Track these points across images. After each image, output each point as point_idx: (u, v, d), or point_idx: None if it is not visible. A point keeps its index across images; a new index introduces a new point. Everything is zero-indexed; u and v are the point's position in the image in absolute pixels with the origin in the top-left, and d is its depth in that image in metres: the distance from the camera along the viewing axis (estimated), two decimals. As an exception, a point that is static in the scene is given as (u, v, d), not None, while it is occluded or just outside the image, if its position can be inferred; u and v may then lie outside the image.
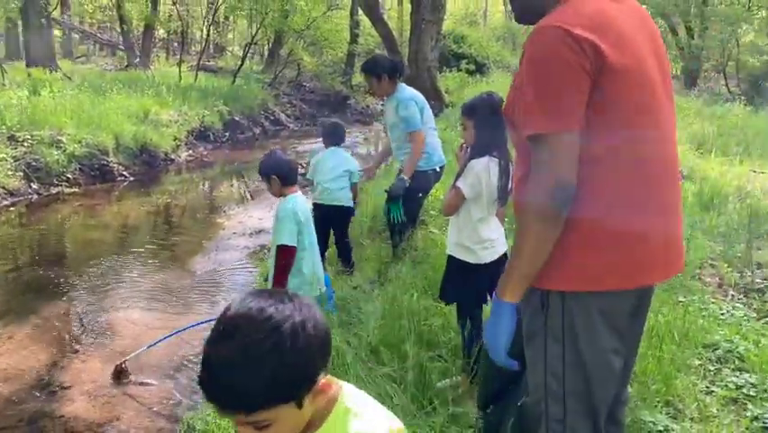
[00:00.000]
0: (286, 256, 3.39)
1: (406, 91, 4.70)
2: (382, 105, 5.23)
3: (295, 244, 3.39)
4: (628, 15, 1.63)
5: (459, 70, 22.21)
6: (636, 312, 1.75)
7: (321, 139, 5.26)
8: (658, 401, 2.71)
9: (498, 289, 1.68)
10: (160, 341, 4.05)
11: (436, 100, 14.23)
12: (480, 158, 2.77)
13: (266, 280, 3.97)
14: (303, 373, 1.03)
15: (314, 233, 3.65)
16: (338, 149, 5.01)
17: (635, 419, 2.51)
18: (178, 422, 3.38)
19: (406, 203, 4.65)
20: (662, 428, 2.49)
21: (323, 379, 1.08)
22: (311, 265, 3.54)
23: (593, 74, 1.51)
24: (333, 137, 5.03)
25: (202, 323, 4.18)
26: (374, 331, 3.22)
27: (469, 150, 2.81)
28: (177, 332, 4.15)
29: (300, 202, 3.49)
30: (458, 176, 2.83)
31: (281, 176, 3.45)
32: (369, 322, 3.27)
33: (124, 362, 3.82)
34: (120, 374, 3.79)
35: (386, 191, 4.72)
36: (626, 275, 1.64)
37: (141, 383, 3.76)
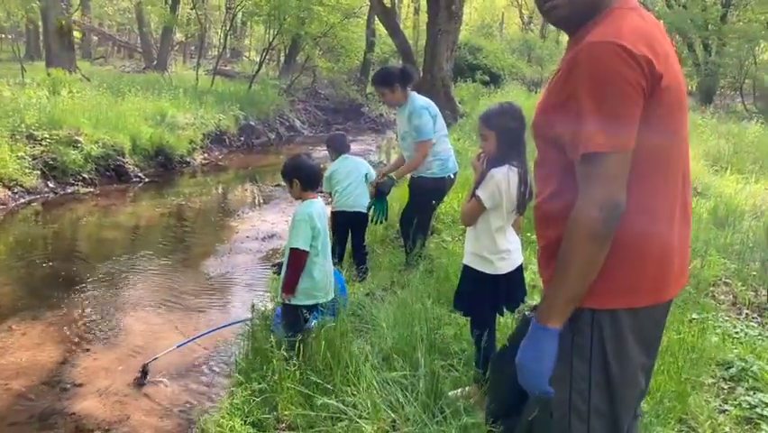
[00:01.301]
0: (298, 260, 3.41)
1: (419, 100, 4.71)
2: (395, 113, 5.25)
3: (308, 249, 3.41)
4: (661, 32, 1.62)
5: (473, 81, 22.27)
6: (661, 326, 1.75)
7: (327, 153, 5.34)
8: (671, 418, 2.69)
9: (540, 314, 1.63)
10: (190, 341, 4.14)
11: (450, 110, 14.25)
12: (499, 167, 2.77)
13: (276, 273, 4.01)
14: None
15: (328, 239, 3.67)
16: (347, 155, 5.07)
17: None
18: (189, 424, 3.39)
19: (421, 211, 4.69)
20: (674, 445, 2.47)
21: None
22: (323, 271, 3.56)
23: (647, 92, 1.49)
24: (339, 148, 5.10)
25: (235, 323, 4.24)
26: (386, 338, 3.23)
27: (487, 159, 2.81)
28: (209, 332, 4.27)
29: (318, 207, 3.51)
30: (476, 185, 2.83)
31: (303, 180, 3.49)
32: (381, 329, 3.28)
33: (152, 361, 3.85)
34: (145, 375, 3.81)
35: (374, 186, 4.80)
36: (658, 290, 1.64)
37: (153, 384, 3.77)
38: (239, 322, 4.25)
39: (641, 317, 1.63)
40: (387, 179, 4.75)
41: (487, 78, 22.98)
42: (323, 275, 3.54)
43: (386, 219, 4.91)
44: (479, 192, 2.81)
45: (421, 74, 14.60)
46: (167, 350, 3.99)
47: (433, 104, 4.80)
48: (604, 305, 1.61)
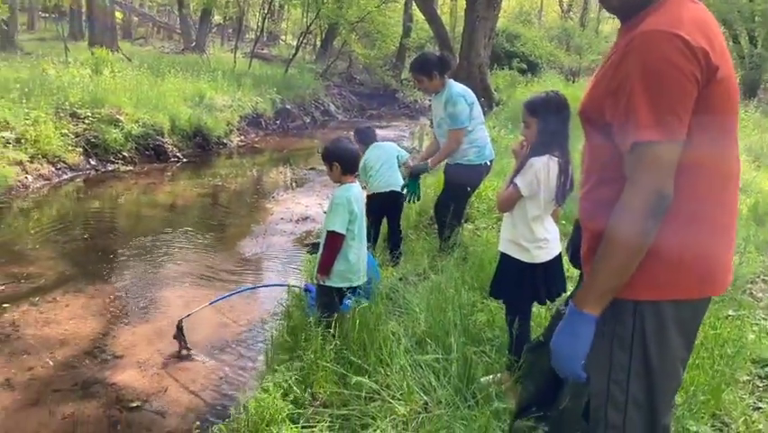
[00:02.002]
0: (334, 242, 3.46)
1: (456, 87, 4.69)
2: (430, 100, 5.24)
3: (344, 232, 3.45)
4: (715, 23, 1.60)
5: (510, 69, 22.01)
6: (701, 320, 1.75)
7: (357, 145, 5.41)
8: (704, 413, 2.68)
9: (578, 299, 1.63)
10: (223, 298, 4.37)
11: (486, 98, 14.14)
12: (540, 156, 2.76)
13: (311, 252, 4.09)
14: None
15: (364, 223, 3.71)
16: (378, 143, 5.13)
17: (680, 428, 2.50)
18: (223, 398, 3.48)
19: (456, 198, 4.70)
20: (707, 440, 2.46)
21: None
22: (358, 254, 3.60)
23: (702, 83, 1.48)
24: (367, 140, 5.16)
25: (269, 285, 4.37)
26: (419, 322, 3.26)
27: (529, 147, 2.80)
28: (237, 292, 4.53)
29: (356, 192, 3.55)
30: (516, 172, 2.83)
31: (343, 164, 3.53)
32: (414, 313, 3.31)
33: (187, 317, 3.96)
34: (180, 330, 3.91)
35: (408, 168, 4.85)
36: (703, 283, 1.63)
37: (190, 359, 3.87)
38: (274, 285, 4.37)
39: (683, 310, 1.63)
40: (422, 164, 4.77)
41: (524, 66, 22.69)
42: (357, 259, 3.58)
43: (419, 199, 4.94)
44: (517, 180, 2.80)
45: (457, 60, 14.49)
46: (201, 306, 4.13)
47: (470, 91, 4.78)
48: (647, 296, 1.61)
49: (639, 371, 1.65)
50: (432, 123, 5.02)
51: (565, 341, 1.64)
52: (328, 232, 3.47)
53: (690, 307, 1.65)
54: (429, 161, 4.76)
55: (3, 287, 4.75)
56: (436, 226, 5.04)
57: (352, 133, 5.37)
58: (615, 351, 1.66)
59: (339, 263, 3.51)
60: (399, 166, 4.99)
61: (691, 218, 1.58)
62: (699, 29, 1.49)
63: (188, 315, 3.99)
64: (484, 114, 5.41)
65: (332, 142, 3.71)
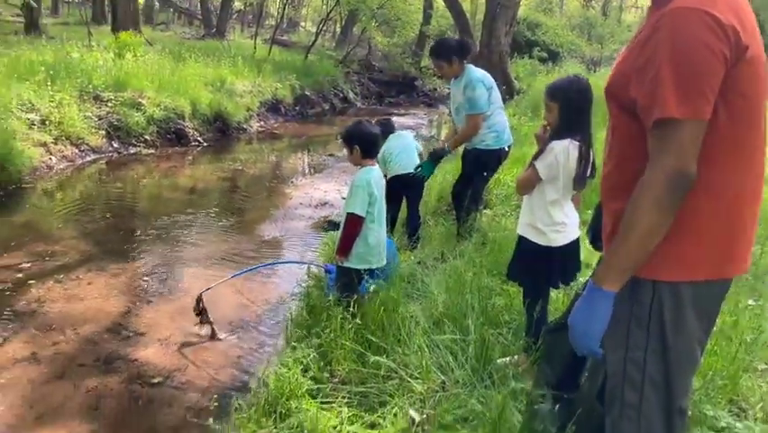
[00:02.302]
0: (354, 225, 3.49)
1: (475, 72, 4.68)
2: (449, 88, 5.25)
3: (364, 215, 3.48)
4: (746, 3, 1.58)
5: (531, 58, 21.85)
6: (722, 301, 1.74)
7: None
8: (722, 398, 2.69)
9: (596, 275, 1.63)
10: (242, 273, 4.49)
11: (506, 87, 14.07)
12: (560, 140, 2.76)
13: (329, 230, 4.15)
14: None
15: (384, 206, 3.74)
16: (399, 132, 5.17)
17: (697, 412, 2.50)
18: (243, 376, 3.54)
19: (473, 182, 4.72)
20: (724, 425, 2.47)
21: None
22: (377, 237, 3.63)
23: (731, 62, 1.47)
24: (387, 129, 5.19)
25: (288, 262, 4.42)
26: (437, 304, 3.29)
27: (550, 131, 2.81)
28: (259, 267, 4.69)
29: (376, 175, 3.57)
30: (536, 155, 2.84)
31: (363, 147, 3.55)
32: (432, 295, 3.34)
33: (207, 291, 4.02)
34: (199, 304, 3.96)
35: (429, 152, 4.87)
36: (722, 265, 1.63)
37: (210, 337, 3.94)
38: (296, 262, 4.43)
39: (702, 291, 1.63)
40: (440, 147, 4.79)
41: (545, 54, 22.51)
42: (377, 241, 3.62)
43: (429, 176, 4.96)
44: (536, 163, 2.81)
45: (478, 49, 14.42)
46: (221, 280, 4.20)
47: (488, 76, 4.78)
48: (666, 277, 1.61)
49: (656, 350, 1.65)
50: (450, 109, 5.02)
51: (583, 318, 1.64)
52: (348, 214, 3.50)
53: (709, 288, 1.64)
54: (447, 144, 4.77)
55: (28, 264, 4.85)
56: (455, 212, 5.06)
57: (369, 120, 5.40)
58: (632, 330, 1.67)
59: (359, 246, 3.54)
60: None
61: (712, 199, 1.58)
62: (730, 7, 1.48)
63: (209, 288, 4.05)
64: (504, 102, 5.40)
65: (352, 124, 3.73)
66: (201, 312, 3.97)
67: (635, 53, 1.59)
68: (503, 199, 5.83)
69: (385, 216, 3.76)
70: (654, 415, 1.71)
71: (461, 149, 4.96)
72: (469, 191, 4.61)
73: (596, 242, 2.22)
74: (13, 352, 3.63)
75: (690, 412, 2.32)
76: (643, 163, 1.55)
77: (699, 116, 1.48)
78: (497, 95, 4.77)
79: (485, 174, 4.84)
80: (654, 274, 1.61)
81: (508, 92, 14.09)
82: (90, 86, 9.18)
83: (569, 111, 2.73)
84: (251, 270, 4.66)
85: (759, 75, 1.56)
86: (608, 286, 1.59)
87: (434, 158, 4.77)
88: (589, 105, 2.77)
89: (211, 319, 3.97)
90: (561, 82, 2.79)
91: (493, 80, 4.80)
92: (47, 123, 8.00)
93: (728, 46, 1.45)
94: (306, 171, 9.47)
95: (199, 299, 3.97)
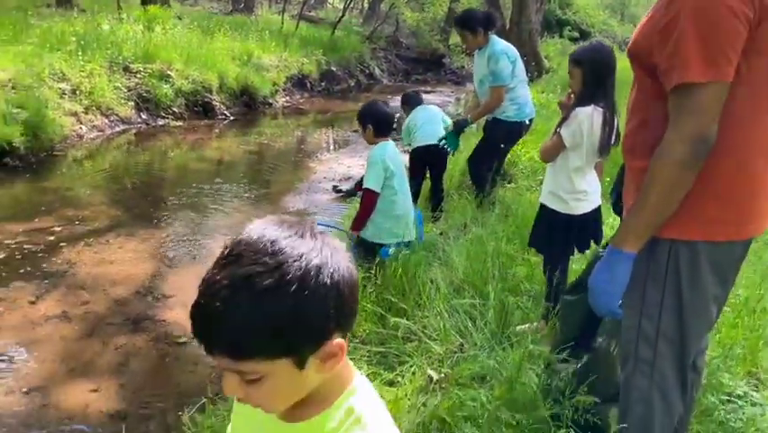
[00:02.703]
0: (370, 199, 3.56)
1: (499, 44, 4.65)
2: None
3: (379, 190, 3.54)
4: None
5: (561, 37, 21.54)
6: (740, 263, 1.75)
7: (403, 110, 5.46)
8: (740, 369, 2.69)
9: (617, 238, 1.66)
10: None
11: (536, 65, 13.92)
12: (585, 107, 2.75)
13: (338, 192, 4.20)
14: (307, 324, 0.80)
15: (406, 179, 3.78)
16: (425, 105, 5.17)
17: (714, 381, 2.50)
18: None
19: (489, 153, 4.77)
20: (741, 393, 2.47)
21: (337, 342, 0.84)
22: (404, 209, 3.68)
23: (754, 25, 1.46)
24: (415, 103, 5.21)
25: (319, 224, 4.49)
26: (458, 270, 3.32)
27: (574, 98, 2.80)
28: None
29: (390, 150, 3.62)
30: (561, 123, 2.83)
31: (376, 126, 3.61)
32: (453, 262, 3.37)
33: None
34: None
35: (453, 122, 4.87)
36: (740, 225, 1.63)
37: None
38: (322, 224, 4.49)
39: (720, 251, 1.63)
40: (462, 118, 4.79)
41: (576, 34, 22.20)
42: (404, 212, 3.67)
43: (455, 150, 4.95)
44: (561, 130, 2.81)
45: (507, 26, 14.26)
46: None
47: (513, 48, 4.74)
48: (683, 235, 1.62)
49: (671, 307, 1.67)
50: (474, 81, 5.01)
51: (603, 279, 1.67)
52: (364, 189, 3.56)
53: (727, 248, 1.65)
54: (469, 116, 4.77)
55: (60, 228, 4.98)
56: (474, 185, 5.07)
57: (395, 98, 5.40)
58: (648, 287, 1.69)
59: (386, 221, 3.59)
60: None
61: (732, 158, 1.57)
62: None
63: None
64: (533, 80, 5.36)
65: (366, 104, 3.81)
66: None
67: (659, 14, 1.58)
68: (528, 174, 5.81)
69: (408, 188, 3.80)
70: (668, 370, 1.73)
71: (483, 121, 4.96)
72: (485, 160, 4.62)
73: (617, 205, 2.23)
74: (46, 310, 3.76)
75: (705, 381, 2.34)
76: (664, 125, 1.56)
77: (720, 79, 1.48)
78: (521, 67, 4.74)
79: (502, 146, 4.83)
80: (672, 233, 1.63)
81: (538, 70, 13.95)
82: (120, 57, 9.28)
83: (592, 77, 2.72)
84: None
85: None
86: (628, 248, 1.61)
87: (456, 129, 4.76)
88: (613, 71, 2.75)
89: None
90: (584, 48, 2.79)
91: (517, 53, 4.77)
92: (77, 92, 8.13)
93: (752, 7, 1.45)
94: (331, 147, 9.52)
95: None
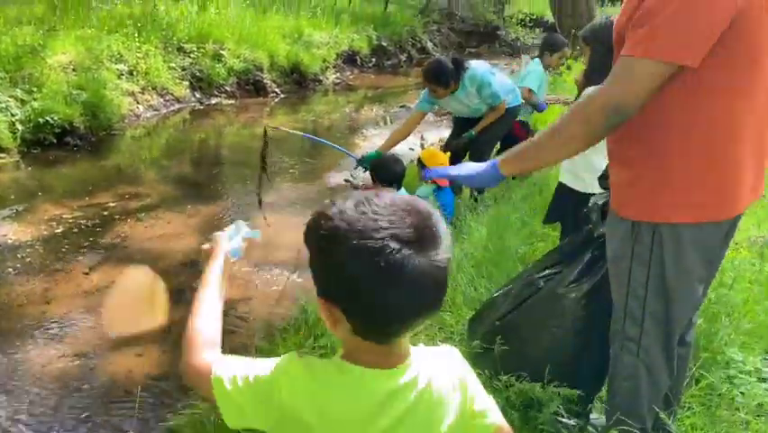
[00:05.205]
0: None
1: (478, 69, 4.57)
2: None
3: None
4: None
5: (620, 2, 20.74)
6: (726, 241, 1.78)
7: None
8: (757, 347, 2.68)
9: (502, 161, 1.77)
10: (311, 138, 5.61)
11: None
12: (594, 85, 2.74)
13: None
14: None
15: None
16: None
17: (725, 357, 2.51)
18: (299, 310, 3.80)
19: (493, 138, 4.94)
20: (751, 368, 2.48)
21: None
22: None
23: (737, 11, 1.46)
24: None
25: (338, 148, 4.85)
26: (480, 247, 3.40)
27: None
28: (329, 144, 4.99)
29: None
30: (575, 101, 2.84)
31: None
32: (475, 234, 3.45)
33: (275, 128, 4.37)
34: (266, 134, 4.16)
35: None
36: (723, 205, 1.66)
37: (270, 275, 4.21)
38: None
39: (704, 232, 1.66)
40: (465, 136, 4.85)
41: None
42: None
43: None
44: (574, 109, 2.82)
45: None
46: (293, 130, 4.96)
47: (480, 64, 4.75)
48: (666, 218, 1.65)
49: (657, 286, 1.72)
50: (458, 113, 5.00)
51: (468, 172, 1.85)
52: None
53: (711, 229, 1.67)
54: (473, 131, 4.77)
55: (114, 204, 5.30)
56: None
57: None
58: (634, 268, 1.74)
59: None
60: None
61: (713, 140, 1.60)
62: None
63: (277, 127, 4.45)
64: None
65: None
66: (264, 146, 4.11)
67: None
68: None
69: None
70: (654, 348, 1.79)
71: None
72: (486, 154, 4.71)
73: (603, 179, 2.25)
74: (98, 281, 4.04)
75: (704, 355, 2.36)
76: (650, 108, 1.58)
77: (659, 57, 1.49)
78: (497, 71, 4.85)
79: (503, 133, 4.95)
80: (655, 216, 1.67)
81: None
82: (174, 38, 9.59)
83: (601, 54, 2.69)
84: (320, 141, 5.23)
85: (763, 22, 1.54)
86: (505, 169, 1.76)
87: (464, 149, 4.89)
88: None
89: (266, 164, 4.17)
90: (590, 26, 2.77)
91: (487, 64, 4.91)
92: (134, 73, 8.48)
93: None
94: (379, 122, 9.59)
95: (266, 131, 4.11)
